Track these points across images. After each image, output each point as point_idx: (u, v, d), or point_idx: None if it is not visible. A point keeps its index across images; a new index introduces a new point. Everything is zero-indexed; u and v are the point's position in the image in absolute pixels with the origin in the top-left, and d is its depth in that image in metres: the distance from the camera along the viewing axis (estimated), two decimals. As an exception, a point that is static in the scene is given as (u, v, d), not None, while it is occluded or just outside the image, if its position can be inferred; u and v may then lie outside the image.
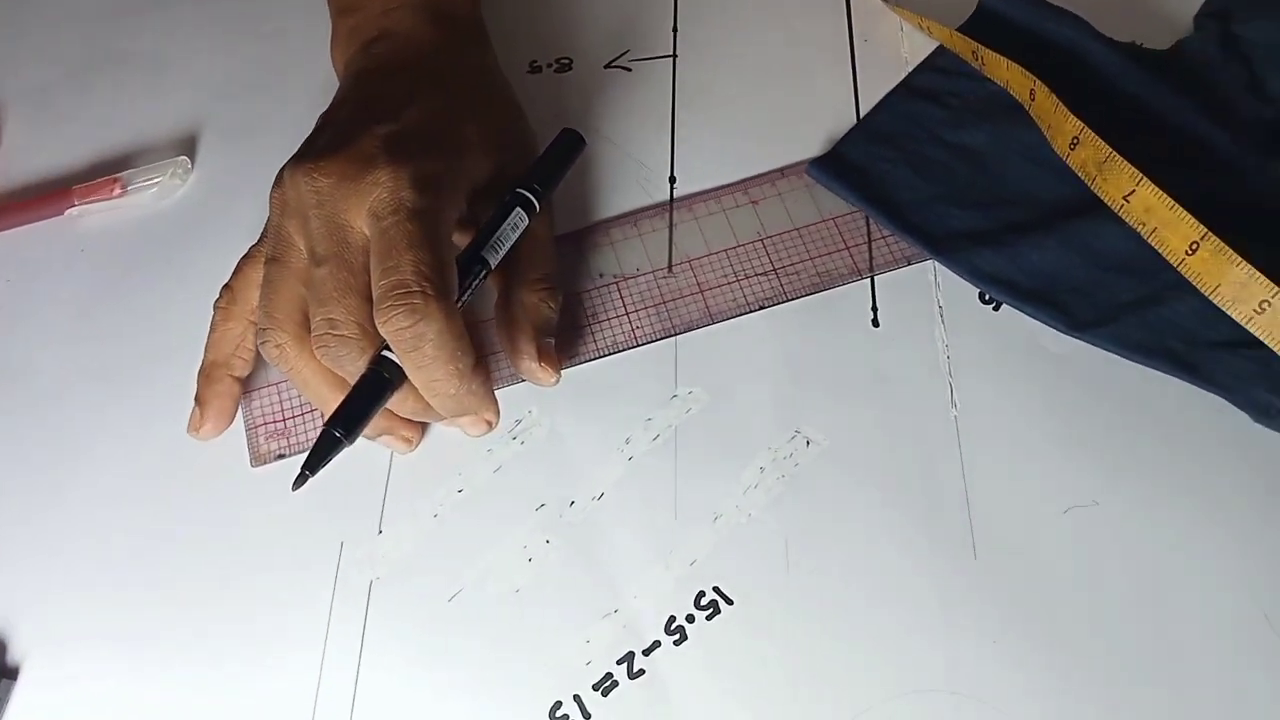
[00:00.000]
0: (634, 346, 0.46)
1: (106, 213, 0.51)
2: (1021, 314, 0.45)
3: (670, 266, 0.48)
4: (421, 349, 0.38)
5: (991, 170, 0.49)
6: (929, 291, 0.47)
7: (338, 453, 0.39)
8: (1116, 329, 0.44)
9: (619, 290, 0.47)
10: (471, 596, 0.41)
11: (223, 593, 0.41)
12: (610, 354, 0.46)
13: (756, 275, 0.47)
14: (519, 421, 0.44)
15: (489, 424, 0.43)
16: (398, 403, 0.41)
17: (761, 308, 0.47)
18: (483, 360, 0.44)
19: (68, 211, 0.51)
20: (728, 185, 0.50)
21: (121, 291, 0.49)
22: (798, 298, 0.47)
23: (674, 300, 0.47)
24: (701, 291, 0.47)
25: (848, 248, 0.48)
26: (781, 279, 0.47)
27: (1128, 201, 0.44)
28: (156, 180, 0.51)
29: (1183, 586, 0.40)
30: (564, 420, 0.44)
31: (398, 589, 0.41)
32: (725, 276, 0.47)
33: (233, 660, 0.40)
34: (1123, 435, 0.43)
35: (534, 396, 0.45)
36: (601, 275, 0.48)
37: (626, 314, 0.47)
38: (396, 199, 0.38)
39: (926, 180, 0.48)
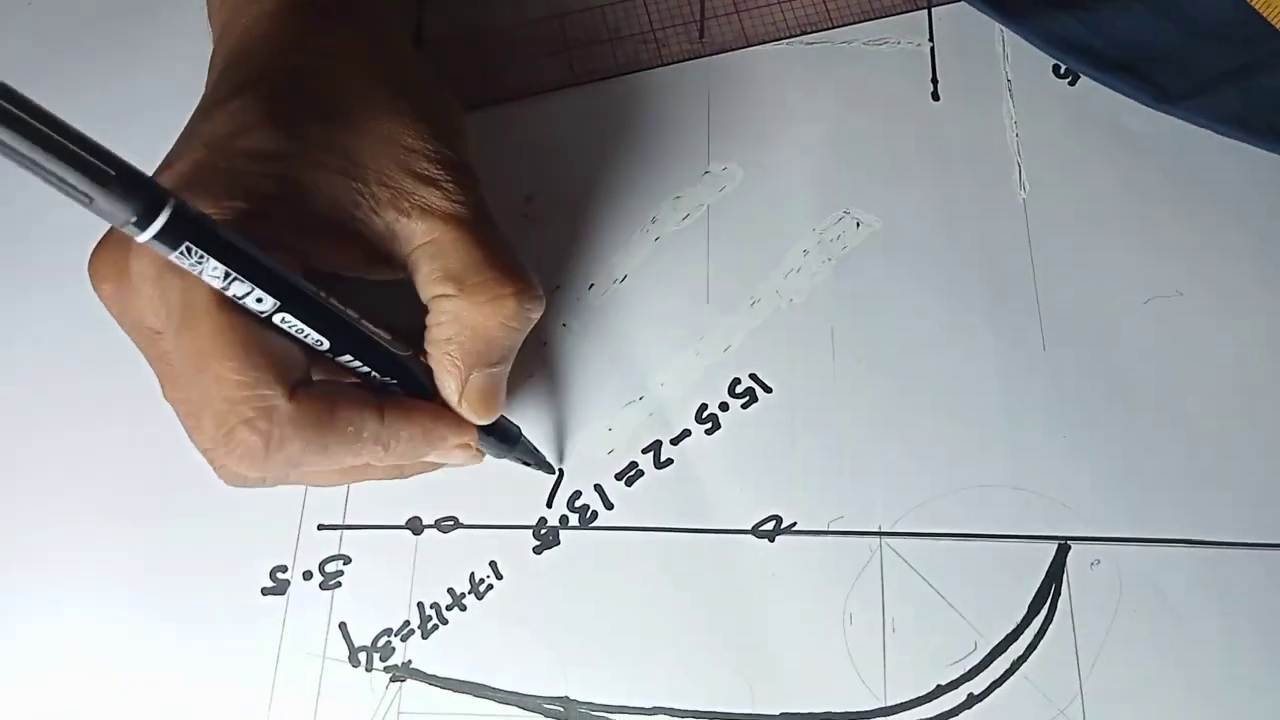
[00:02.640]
0: (659, 65, 0.40)
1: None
2: (1101, 87, 0.40)
3: None
4: (301, 465, 0.29)
5: (1072, -73, 0.43)
6: (996, 63, 0.41)
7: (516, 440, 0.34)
8: (1210, 101, 0.39)
9: (645, 6, 0.42)
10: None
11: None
12: (629, 72, 0.40)
13: (800, -2, 0.42)
14: (529, 199, 0.39)
15: (463, 447, 0.32)
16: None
17: (804, 32, 0.41)
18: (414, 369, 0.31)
19: (12, -41, 0.44)
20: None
21: (70, 52, 0.43)
22: (845, 24, 0.41)
23: (706, 19, 0.41)
24: (738, 12, 0.42)
25: None
26: (828, 3, 0.42)
27: (1232, -43, 0.39)
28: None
29: (1273, 382, 0.36)
30: (580, 196, 0.39)
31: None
32: None
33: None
34: (1210, 220, 0.38)
35: (547, 169, 0.40)
36: None
37: (652, 30, 0.41)
38: (160, 294, 0.27)
39: (998, -63, 0.42)
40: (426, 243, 0.30)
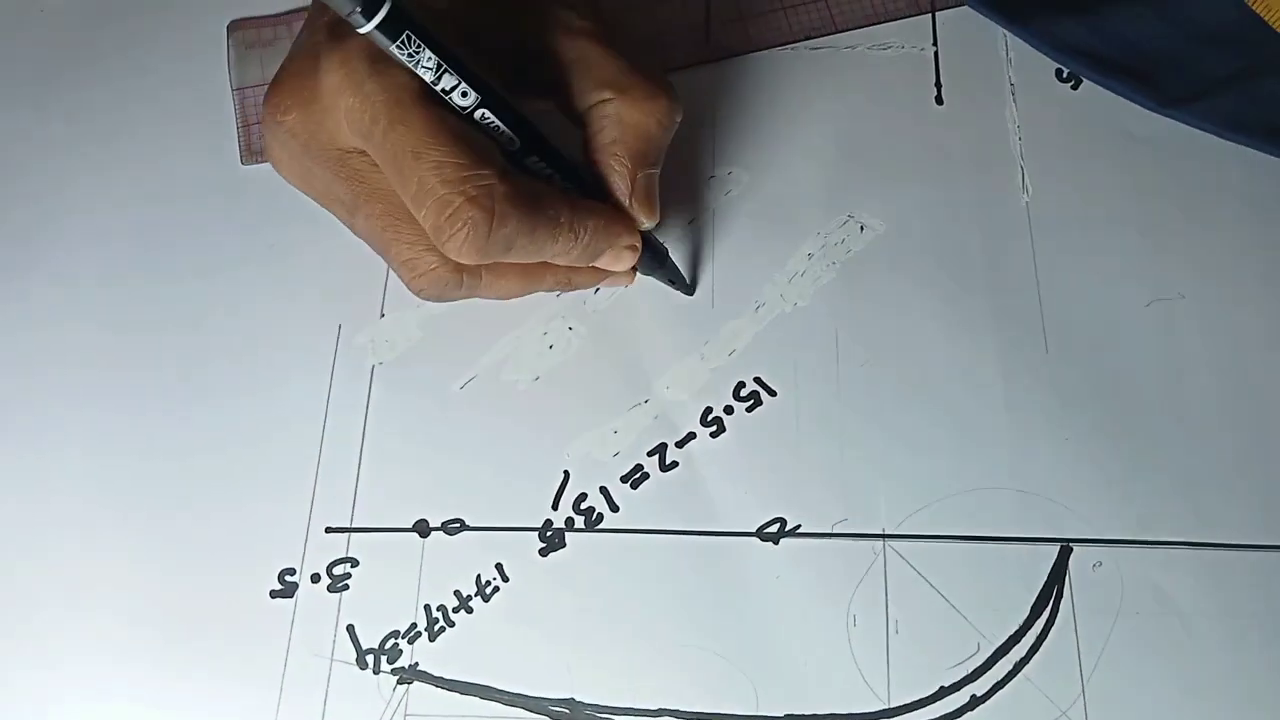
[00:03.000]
0: (667, 70, 0.41)
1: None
2: (1104, 91, 0.40)
3: None
4: (513, 249, 0.31)
5: (1075, -69, 0.43)
6: (1000, 67, 0.41)
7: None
8: (1211, 105, 0.39)
9: (651, 11, 0.42)
10: (485, 385, 0.37)
11: (205, 373, 0.37)
12: None
13: (805, 4, 0.42)
14: (536, 202, 0.39)
15: (633, 249, 0.34)
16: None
17: (807, 38, 0.41)
18: (592, 176, 0.34)
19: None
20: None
21: (84, 56, 0.43)
22: (850, 29, 0.42)
23: (711, 24, 0.42)
24: (743, 18, 0.42)
25: None
26: (832, 8, 0.42)
27: (1234, -39, 0.39)
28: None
29: (1275, 383, 0.36)
30: (587, 201, 0.40)
31: (403, 374, 0.37)
32: (770, 3, 0.42)
33: (221, 445, 0.36)
34: (1213, 223, 0.38)
35: (553, 175, 0.40)
36: None
37: (659, 34, 0.41)
38: (363, 99, 0.29)
39: (1001, -59, 0.43)
40: (576, 58, 0.32)
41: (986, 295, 0.37)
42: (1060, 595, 0.33)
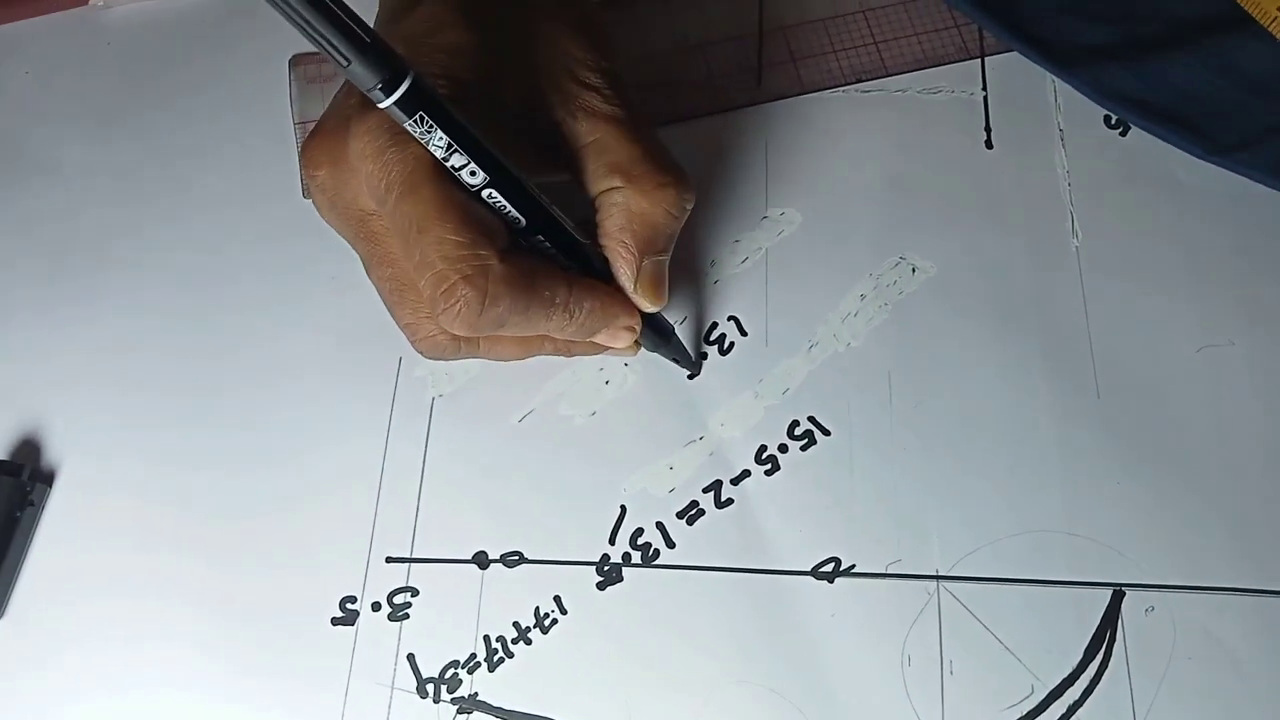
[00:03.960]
0: (719, 111, 0.42)
1: (134, 4, 0.46)
2: (1152, 137, 0.41)
3: (761, 33, 0.43)
4: (506, 325, 0.31)
5: (1123, -20, 0.43)
6: (1049, 113, 0.42)
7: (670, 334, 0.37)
8: (1259, 154, 0.40)
9: (703, 54, 0.43)
10: (543, 419, 0.38)
11: (269, 404, 0.38)
12: (690, 118, 0.42)
13: (855, 47, 0.43)
14: (592, 239, 0.40)
15: (630, 330, 0.35)
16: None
17: (859, 80, 0.42)
18: (591, 255, 0.34)
19: (91, 1, 0.46)
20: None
21: (151, 91, 0.45)
22: (899, 72, 0.42)
23: (763, 68, 0.43)
24: (794, 60, 0.43)
25: (957, 25, 0.43)
26: (883, 53, 0.43)
27: (1283, 13, 0.40)
28: (189, -30, 0.46)
29: (1326, 432, 0.36)
30: (642, 239, 0.40)
31: (462, 406, 0.38)
32: (821, 46, 0.43)
33: (283, 474, 0.37)
34: (1261, 271, 0.39)
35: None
36: (686, 37, 0.43)
37: (710, 79, 0.43)
38: (382, 167, 0.30)
39: (1050, -11, 0.43)
40: (591, 142, 0.33)
41: (1038, 339, 0.38)
42: (1113, 639, 0.33)
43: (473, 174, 0.30)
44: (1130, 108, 0.41)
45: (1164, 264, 0.39)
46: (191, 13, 0.46)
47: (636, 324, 0.35)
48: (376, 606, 0.35)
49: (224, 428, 0.38)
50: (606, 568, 0.35)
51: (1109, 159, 0.41)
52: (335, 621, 0.35)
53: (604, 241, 0.33)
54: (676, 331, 0.37)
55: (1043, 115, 0.42)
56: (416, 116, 0.28)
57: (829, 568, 0.35)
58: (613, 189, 0.33)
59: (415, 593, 0.35)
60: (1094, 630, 0.34)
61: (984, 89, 0.42)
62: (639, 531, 0.36)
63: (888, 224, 0.40)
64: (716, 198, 0.41)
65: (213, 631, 0.35)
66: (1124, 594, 0.34)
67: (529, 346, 0.35)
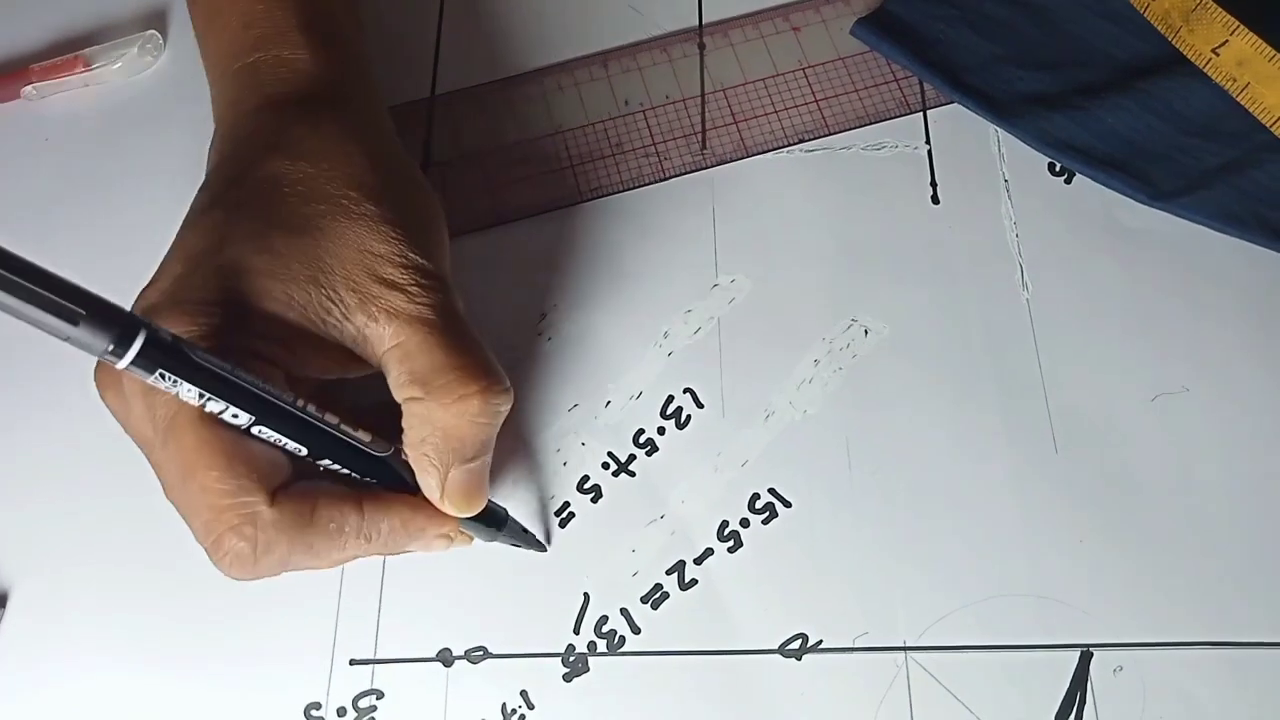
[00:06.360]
0: (661, 179, 0.42)
1: (70, 94, 0.46)
2: (1096, 184, 0.41)
3: (703, 95, 0.43)
4: (290, 565, 0.30)
5: (1060, 27, 0.44)
6: (993, 163, 0.42)
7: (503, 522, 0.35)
8: (1202, 197, 0.40)
9: (646, 119, 0.43)
10: (503, 503, 0.37)
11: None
12: (634, 187, 0.42)
13: (797, 106, 0.43)
14: (544, 316, 0.40)
15: (445, 537, 0.33)
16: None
17: (801, 141, 0.42)
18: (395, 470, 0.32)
19: (24, 91, 0.45)
20: (766, 10, 0.45)
21: (91, 182, 0.44)
22: (841, 130, 0.42)
23: (707, 131, 0.43)
24: (736, 122, 0.43)
25: (897, 80, 0.43)
26: (824, 111, 0.43)
27: (1217, 55, 0.40)
28: (124, 54, 0.46)
29: (1283, 476, 0.36)
30: (593, 314, 0.40)
31: (420, 500, 0.37)
32: (763, 107, 0.43)
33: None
34: (1211, 315, 0.39)
35: (558, 288, 0.40)
36: (627, 103, 0.43)
37: (654, 144, 0.43)
38: (148, 408, 0.29)
39: (988, 39, 0.43)
40: (394, 346, 0.31)
41: (993, 395, 0.38)
42: (1084, 701, 0.33)
43: (235, 416, 0.28)
44: (1073, 155, 0.41)
45: (1114, 311, 0.39)
46: (130, 94, 0.46)
47: (451, 529, 0.33)
48: (342, 712, 0.34)
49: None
50: (572, 658, 0.35)
51: (1055, 207, 0.41)
52: (300, 729, 0.34)
53: (408, 451, 0.31)
54: (510, 515, 0.35)
55: (987, 166, 0.42)
56: (158, 373, 0.26)
57: (796, 645, 0.34)
58: (412, 399, 0.30)
59: (380, 695, 0.35)
60: (1064, 694, 0.34)
61: (928, 143, 0.42)
62: (604, 619, 0.35)
63: (838, 285, 0.40)
64: (666, 267, 0.41)
65: (175, 747, 0.34)
66: (1092, 654, 0.34)
67: (336, 562, 0.32)
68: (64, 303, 0.24)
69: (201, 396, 0.27)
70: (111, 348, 0.25)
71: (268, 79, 0.35)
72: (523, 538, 0.35)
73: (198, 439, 0.28)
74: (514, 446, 0.38)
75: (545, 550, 0.36)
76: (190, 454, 0.28)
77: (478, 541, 0.35)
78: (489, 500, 0.33)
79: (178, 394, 0.27)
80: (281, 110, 0.34)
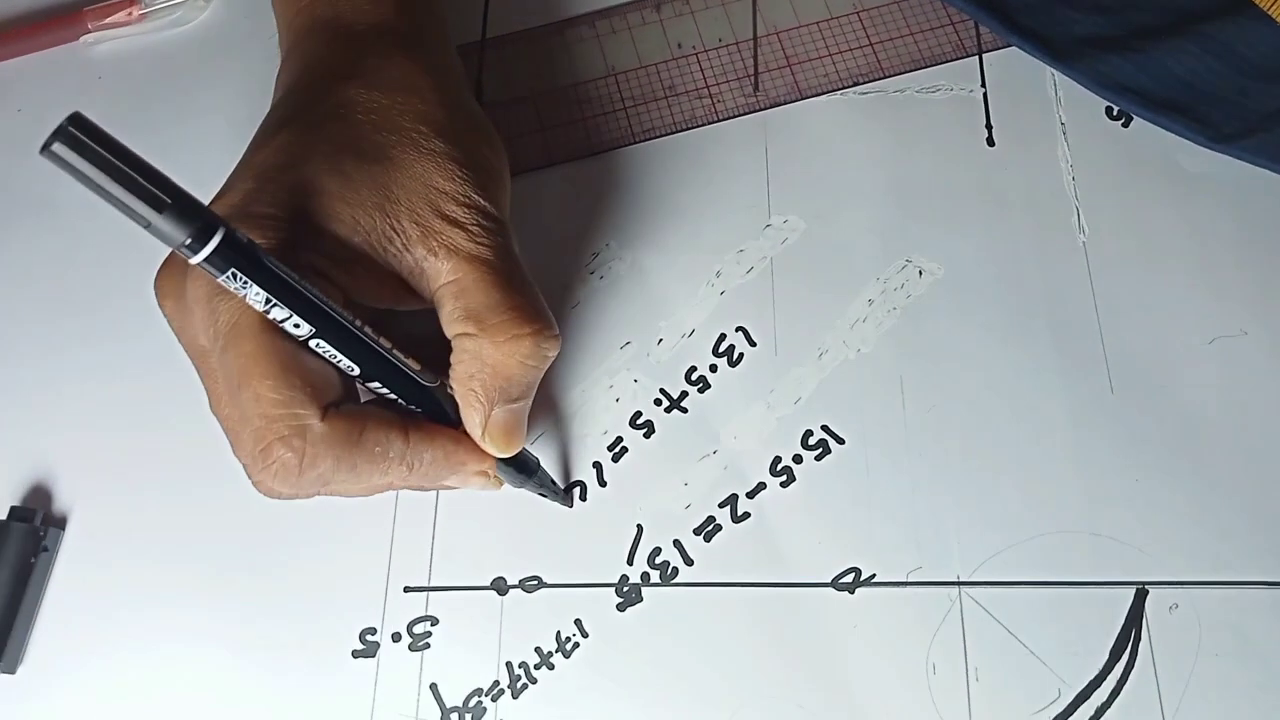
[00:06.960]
0: (714, 121, 0.42)
1: (124, 39, 0.46)
2: (1155, 128, 0.40)
3: (755, 38, 0.43)
4: (331, 484, 0.31)
5: (1118, -31, 0.43)
6: (1050, 107, 0.42)
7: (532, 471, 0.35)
8: (1263, 140, 0.39)
9: (699, 62, 0.43)
10: (555, 438, 0.37)
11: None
12: (687, 129, 0.42)
13: (851, 50, 0.43)
14: (596, 255, 0.40)
15: (481, 475, 0.33)
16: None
17: (855, 84, 0.42)
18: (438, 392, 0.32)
19: (82, 38, 0.46)
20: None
21: (141, 123, 0.44)
22: (896, 74, 0.42)
23: (760, 74, 0.42)
24: (790, 65, 0.43)
25: (952, 23, 0.43)
26: (879, 54, 0.42)
27: (1282, -4, 0.39)
28: (177, 3, 0.46)
29: (1343, 419, 0.36)
30: (646, 253, 0.40)
31: (475, 432, 0.38)
32: (817, 50, 0.43)
33: (297, 507, 0.37)
34: (1270, 258, 0.38)
35: (610, 227, 0.40)
36: (680, 46, 0.43)
37: (707, 87, 0.42)
38: (210, 314, 0.29)
39: (1044, -18, 0.43)
40: (450, 282, 0.31)
41: (1049, 336, 0.38)
42: (1139, 638, 0.33)
43: (297, 326, 0.28)
44: (1131, 98, 0.41)
45: (1172, 255, 0.39)
46: (180, 42, 0.46)
47: (489, 467, 0.33)
48: (397, 637, 0.35)
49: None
50: (626, 588, 0.35)
51: (1112, 151, 0.41)
52: (356, 654, 0.35)
53: (454, 386, 0.32)
54: (542, 465, 0.35)
55: (1044, 110, 0.42)
56: (230, 272, 0.26)
57: (849, 579, 0.35)
58: (464, 335, 0.31)
59: (435, 621, 0.35)
60: (1119, 630, 0.33)
61: (983, 86, 0.42)
62: (657, 550, 0.35)
63: (892, 227, 0.40)
64: (718, 208, 0.40)
65: (233, 672, 0.35)
66: (1147, 592, 0.34)
67: (373, 489, 0.33)
68: (153, 189, 0.25)
69: (268, 302, 0.27)
70: (189, 241, 0.26)
71: (346, 10, 0.36)
72: (550, 488, 0.36)
73: (257, 346, 0.28)
74: (568, 383, 0.38)
75: (570, 505, 0.36)
76: (248, 360, 0.28)
77: (544, 459, 0.35)
78: (524, 448, 0.34)
79: (245, 296, 0.27)
80: (358, 42, 0.35)
